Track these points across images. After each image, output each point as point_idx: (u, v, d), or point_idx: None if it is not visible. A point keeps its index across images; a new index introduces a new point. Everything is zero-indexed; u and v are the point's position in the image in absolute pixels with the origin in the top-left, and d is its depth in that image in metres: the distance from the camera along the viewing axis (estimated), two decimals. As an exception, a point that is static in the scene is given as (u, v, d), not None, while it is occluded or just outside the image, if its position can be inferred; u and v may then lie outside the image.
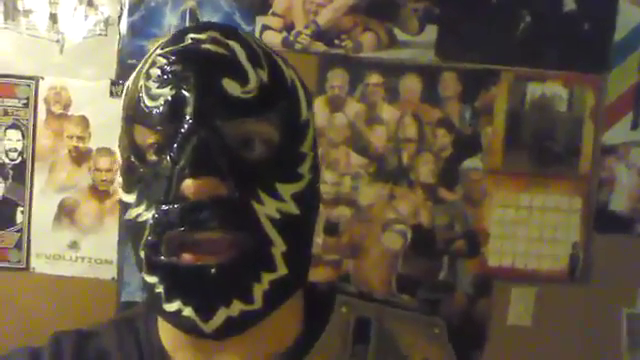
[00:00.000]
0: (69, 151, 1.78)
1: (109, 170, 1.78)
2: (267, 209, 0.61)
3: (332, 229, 1.79)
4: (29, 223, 1.79)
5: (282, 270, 0.63)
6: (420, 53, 1.79)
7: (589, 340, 1.82)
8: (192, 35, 0.64)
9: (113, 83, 1.77)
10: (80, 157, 1.78)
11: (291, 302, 0.67)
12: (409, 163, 1.80)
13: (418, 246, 1.81)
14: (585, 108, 1.83)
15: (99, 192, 1.78)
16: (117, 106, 1.84)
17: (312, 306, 0.72)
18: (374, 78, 1.79)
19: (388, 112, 1.80)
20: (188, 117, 0.60)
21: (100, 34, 1.77)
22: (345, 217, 1.80)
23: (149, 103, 0.62)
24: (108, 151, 1.78)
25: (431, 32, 1.78)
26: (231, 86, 0.61)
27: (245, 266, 0.61)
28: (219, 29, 0.65)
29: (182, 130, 0.60)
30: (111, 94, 1.76)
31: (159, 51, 0.64)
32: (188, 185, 0.59)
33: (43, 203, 1.79)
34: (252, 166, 0.62)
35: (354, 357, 0.68)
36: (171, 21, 1.75)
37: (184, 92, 0.60)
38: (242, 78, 0.62)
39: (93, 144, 1.78)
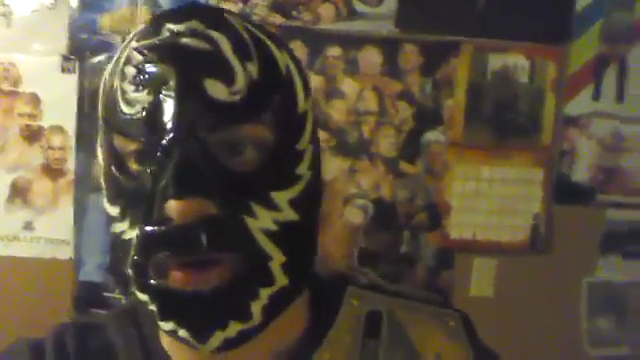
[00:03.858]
0: (20, 129, 1.73)
1: (62, 148, 1.73)
2: (261, 222, 0.57)
3: (293, 205, 1.77)
4: (-19, 204, 1.75)
5: (282, 281, 0.58)
6: (380, 25, 1.76)
7: (550, 309, 1.83)
8: (170, 26, 0.57)
9: (64, 58, 1.71)
10: (32, 135, 1.73)
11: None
12: (370, 137, 1.78)
13: (380, 220, 1.80)
14: (546, 79, 1.82)
15: (53, 171, 1.74)
16: (69, 82, 1.80)
17: (319, 298, 0.68)
18: (333, 50, 1.75)
19: (348, 85, 1.77)
20: (168, 128, 0.54)
21: (49, 7, 1.71)
22: (306, 192, 1.78)
23: (126, 110, 0.57)
24: (61, 129, 1.73)
25: (391, 3, 1.75)
26: (215, 88, 0.55)
27: (241, 286, 0.57)
28: (201, 16, 0.58)
29: (162, 142, 0.54)
30: (62, 70, 1.71)
31: (134, 44, 0.58)
32: (172, 207, 0.54)
33: (-5, 184, 1.74)
34: (243, 177, 0.56)
35: (365, 352, 0.65)
36: (123, -7, 1.70)
37: (162, 98, 0.55)
38: (228, 77, 0.56)
39: (45, 122, 1.73)
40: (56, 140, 1.73)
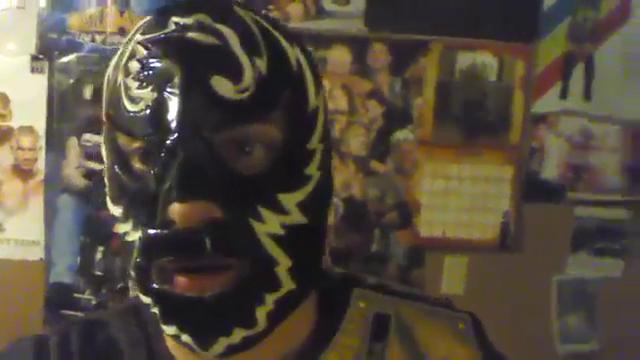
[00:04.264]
0: (-11, 130, 1.73)
1: (32, 149, 1.73)
2: (268, 226, 0.55)
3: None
4: (-50, 205, 1.74)
5: (288, 286, 0.57)
6: (349, 23, 1.77)
7: (520, 307, 1.84)
8: (176, 19, 0.55)
9: (34, 58, 1.71)
10: (1, 136, 1.73)
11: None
12: (340, 136, 1.79)
13: (350, 219, 1.81)
14: (515, 77, 1.84)
15: (23, 171, 1.74)
16: (39, 82, 1.79)
17: (326, 299, 0.66)
18: (302, 50, 1.76)
19: (318, 84, 1.77)
20: (172, 127, 0.52)
21: (18, 7, 1.71)
22: (276, 191, 1.78)
23: (129, 107, 0.55)
24: (30, 129, 1.72)
25: (359, 2, 1.76)
26: (222, 85, 0.53)
27: (245, 292, 0.55)
28: (209, 9, 0.56)
29: (166, 142, 0.52)
30: (32, 70, 1.71)
31: (139, 37, 0.56)
32: (175, 210, 0.52)
33: (-36, 184, 1.74)
34: (250, 179, 0.54)
35: (371, 355, 0.64)
36: (92, -7, 1.70)
37: (167, 95, 0.53)
38: (235, 73, 0.53)
39: (14, 122, 1.73)
40: (26, 140, 1.73)
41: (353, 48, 1.78)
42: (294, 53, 0.59)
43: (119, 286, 1.76)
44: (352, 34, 1.77)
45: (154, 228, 0.54)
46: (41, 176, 1.74)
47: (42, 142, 1.73)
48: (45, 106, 1.72)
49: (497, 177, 1.85)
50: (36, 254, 1.76)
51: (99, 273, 1.76)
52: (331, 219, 1.79)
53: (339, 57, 1.77)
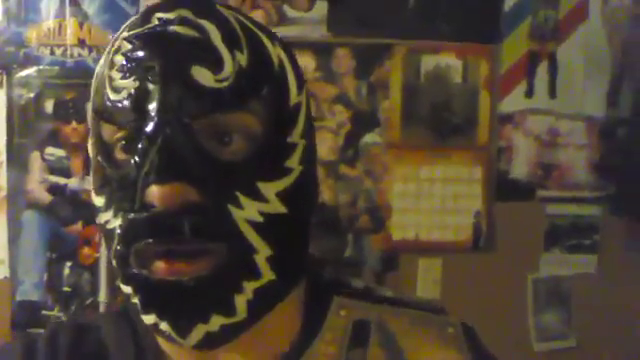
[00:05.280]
0: (-51, 147, 1.69)
1: (-6, 166, 1.70)
2: (247, 213, 0.55)
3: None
4: None
5: (268, 276, 0.57)
6: (311, 30, 1.77)
7: (496, 307, 1.83)
8: (160, 14, 0.57)
9: (-8, 74, 1.69)
10: (-38, 153, 1.69)
11: (291, 298, 0.62)
12: (308, 141, 1.78)
13: (322, 224, 1.79)
14: (479, 78, 1.84)
15: (-16, 189, 1.70)
16: (-2, 98, 1.73)
17: (312, 304, 0.66)
18: (267, 56, 1.75)
19: (283, 91, 1.76)
20: (152, 113, 0.54)
21: (-26, 23, 1.69)
22: (246, 200, 1.76)
23: (112, 96, 0.56)
24: (-8, 146, 1.70)
25: (321, 8, 1.76)
26: (202, 74, 0.54)
27: (224, 278, 0.55)
28: (192, 5, 0.58)
29: (146, 130, 0.54)
30: (-9, 85, 1.68)
31: (125, 34, 0.58)
32: (153, 192, 0.53)
33: None
34: (229, 166, 0.56)
35: None
36: (49, 6, 1.68)
37: (148, 84, 0.54)
38: (215, 64, 0.55)
39: (-25, 139, 1.70)
40: (-13, 158, 1.70)
41: (317, 54, 1.78)
42: (276, 52, 0.60)
43: (89, 301, 1.72)
44: (315, 40, 1.77)
45: (133, 212, 0.54)
46: (3, 192, 1.71)
47: (3, 158, 1.70)
48: (5, 121, 1.69)
49: (467, 178, 1.85)
50: (1, 272, 1.72)
51: (67, 289, 1.73)
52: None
53: (303, 63, 1.75)
